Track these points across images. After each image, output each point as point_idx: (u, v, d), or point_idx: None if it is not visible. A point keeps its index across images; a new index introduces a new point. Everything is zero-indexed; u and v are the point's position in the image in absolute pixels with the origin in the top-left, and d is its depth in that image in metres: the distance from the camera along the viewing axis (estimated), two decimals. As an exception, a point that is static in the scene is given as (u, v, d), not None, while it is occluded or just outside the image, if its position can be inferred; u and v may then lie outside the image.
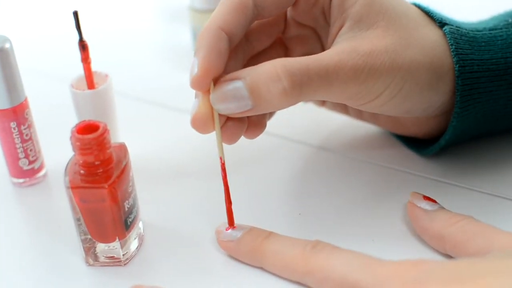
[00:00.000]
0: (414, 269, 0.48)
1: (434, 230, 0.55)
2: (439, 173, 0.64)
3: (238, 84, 0.53)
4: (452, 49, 0.58)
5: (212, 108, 0.54)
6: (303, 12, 0.60)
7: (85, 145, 0.53)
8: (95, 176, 0.54)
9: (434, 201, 0.57)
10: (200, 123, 0.55)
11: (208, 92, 0.54)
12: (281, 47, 0.63)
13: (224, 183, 0.56)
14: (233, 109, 0.53)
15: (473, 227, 0.54)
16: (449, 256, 0.55)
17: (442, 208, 0.57)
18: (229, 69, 0.56)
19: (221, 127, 0.55)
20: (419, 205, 0.57)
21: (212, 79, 0.53)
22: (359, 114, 0.67)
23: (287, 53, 0.63)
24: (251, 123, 0.58)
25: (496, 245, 0.51)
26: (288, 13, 0.62)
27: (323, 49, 0.62)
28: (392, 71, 0.55)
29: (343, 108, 0.68)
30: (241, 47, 0.59)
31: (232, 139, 0.56)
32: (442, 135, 0.63)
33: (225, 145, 0.56)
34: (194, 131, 0.55)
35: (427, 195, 0.58)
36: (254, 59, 0.61)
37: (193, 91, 0.55)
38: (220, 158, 0.55)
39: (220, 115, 0.54)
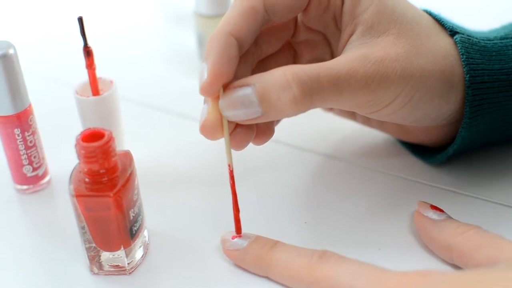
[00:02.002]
0: (421, 280, 0.48)
1: (441, 240, 0.55)
2: (446, 182, 0.64)
3: (247, 91, 0.52)
4: (463, 59, 0.58)
5: (221, 115, 0.53)
6: (314, 18, 0.60)
7: (90, 153, 0.52)
8: (100, 184, 0.53)
9: (441, 210, 0.57)
10: (209, 130, 0.54)
11: (217, 98, 0.53)
12: (290, 51, 0.63)
13: (232, 190, 0.56)
14: (242, 116, 0.53)
15: (481, 237, 0.53)
16: (456, 266, 0.54)
17: (450, 217, 0.56)
18: (237, 73, 0.55)
19: (230, 134, 0.54)
20: (426, 215, 0.57)
21: (221, 85, 0.53)
22: (366, 121, 0.67)
23: (295, 58, 0.63)
24: (260, 129, 0.57)
25: (504, 255, 0.51)
26: (299, 18, 0.61)
27: (332, 54, 0.62)
28: (403, 80, 0.55)
29: (351, 115, 0.67)
30: (250, 51, 0.59)
31: (240, 146, 0.56)
32: (449, 143, 0.63)
33: (233, 152, 0.55)
34: (200, 137, 0.55)
35: (434, 205, 0.57)
36: (263, 63, 0.61)
37: (200, 97, 0.55)
38: (229, 166, 0.55)
39: (229, 121, 0.54)
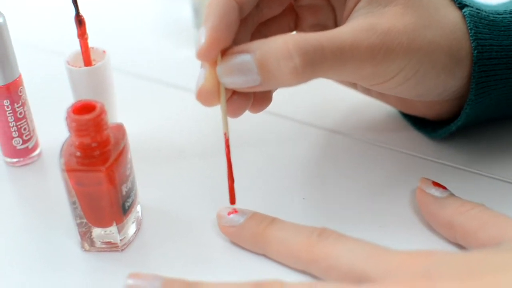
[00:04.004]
0: (424, 261, 0.47)
1: (444, 218, 0.54)
2: (449, 158, 0.63)
3: (246, 57, 0.51)
4: (471, 34, 0.57)
5: (218, 81, 0.52)
6: None
7: (82, 126, 0.51)
8: (91, 158, 0.52)
9: (444, 187, 0.56)
10: (206, 96, 0.53)
11: (215, 63, 0.52)
12: (292, 14, 0.62)
13: (227, 159, 0.55)
14: (240, 83, 0.52)
15: (485, 215, 0.53)
16: (459, 245, 0.54)
17: (452, 195, 0.56)
18: (237, 37, 0.54)
19: (227, 101, 0.54)
20: (428, 192, 0.56)
21: (219, 50, 0.52)
22: (367, 90, 0.66)
23: (297, 21, 0.62)
24: (257, 97, 0.56)
25: (508, 235, 0.50)
26: None
27: (335, 20, 0.61)
28: (410, 53, 0.54)
29: (351, 83, 0.66)
30: (251, 14, 0.57)
31: (237, 113, 0.55)
32: (452, 117, 0.62)
33: (232, 126, 0.54)
34: (195, 109, 0.54)
35: (437, 181, 0.57)
36: (263, 26, 0.60)
37: (196, 68, 0.54)
38: (225, 134, 0.54)
39: (226, 88, 0.53)
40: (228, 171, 0.55)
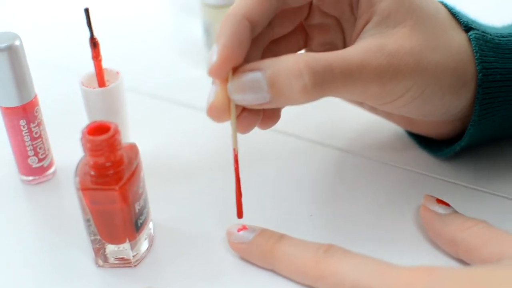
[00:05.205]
0: (427, 276, 0.48)
1: (447, 235, 0.55)
2: (453, 175, 0.64)
3: (257, 75, 0.52)
4: (476, 57, 0.57)
5: (229, 98, 0.53)
6: (329, 2, 0.59)
7: (96, 147, 0.52)
8: (105, 177, 0.53)
9: (447, 204, 0.57)
10: (216, 113, 0.54)
11: (226, 80, 0.53)
12: (302, 33, 0.62)
13: (236, 174, 0.56)
14: (250, 100, 0.52)
15: (487, 232, 0.53)
16: (462, 261, 0.54)
17: (456, 212, 0.56)
18: (248, 55, 0.54)
19: (237, 117, 0.54)
20: (432, 209, 0.57)
21: (231, 68, 0.52)
22: (373, 109, 0.66)
23: (307, 40, 0.62)
24: (266, 114, 0.57)
25: (509, 251, 0.51)
26: (314, 1, 0.60)
27: (344, 40, 0.61)
28: (416, 74, 0.54)
29: (358, 102, 0.67)
30: (263, 33, 0.58)
31: (247, 129, 0.56)
32: (456, 137, 0.62)
33: (241, 143, 0.55)
34: (207, 128, 0.55)
35: (440, 198, 0.57)
36: (273, 44, 0.60)
37: (207, 87, 0.54)
38: (234, 150, 0.55)
39: (236, 105, 0.53)
40: (236, 186, 0.56)
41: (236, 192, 0.56)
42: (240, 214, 0.57)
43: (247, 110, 0.55)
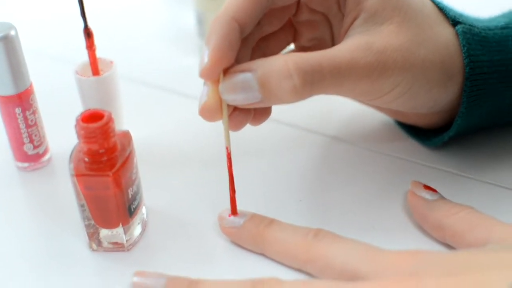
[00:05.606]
0: (412, 260, 0.49)
1: (434, 220, 0.56)
2: (441, 162, 0.64)
3: (248, 76, 0.52)
4: (464, 51, 0.58)
5: (220, 98, 0.54)
6: (317, 0, 0.59)
7: (90, 134, 0.53)
8: (99, 164, 0.54)
9: (434, 190, 0.57)
10: (209, 113, 0.54)
11: (217, 81, 0.53)
12: (291, 29, 0.62)
13: (229, 172, 0.56)
14: (241, 100, 0.53)
15: (472, 217, 0.54)
16: (448, 245, 0.55)
17: (442, 197, 0.57)
18: (238, 54, 0.55)
19: (228, 116, 0.55)
20: (419, 194, 0.57)
21: (222, 69, 0.53)
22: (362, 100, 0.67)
23: (295, 36, 0.63)
24: (257, 111, 0.57)
25: (494, 236, 0.52)
26: None
27: (332, 35, 0.62)
28: (404, 70, 0.55)
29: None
30: (252, 32, 0.58)
31: (238, 127, 0.56)
32: (445, 126, 0.63)
33: (231, 133, 0.56)
34: (199, 116, 0.55)
35: (427, 184, 0.58)
36: (262, 41, 0.61)
37: (198, 75, 0.55)
38: (227, 148, 0.56)
39: (228, 105, 0.54)
40: (229, 183, 0.57)
41: (229, 190, 0.57)
42: (234, 211, 0.58)
43: (239, 109, 0.55)
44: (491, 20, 0.63)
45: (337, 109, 0.72)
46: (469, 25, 0.59)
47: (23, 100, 0.63)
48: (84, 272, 0.57)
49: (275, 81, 0.51)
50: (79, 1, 0.62)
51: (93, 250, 0.58)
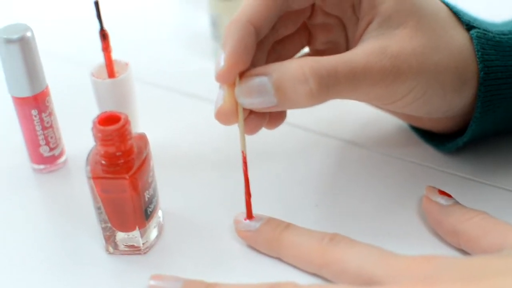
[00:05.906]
0: (427, 265, 0.49)
1: (449, 225, 0.56)
2: (456, 168, 0.64)
3: (264, 80, 0.52)
4: (478, 55, 0.58)
5: (236, 102, 0.54)
6: (331, 4, 0.59)
7: (107, 137, 0.53)
8: (116, 166, 0.54)
9: (449, 195, 0.57)
10: (224, 116, 0.55)
11: (233, 85, 0.53)
12: (305, 32, 0.62)
13: (244, 176, 0.56)
14: (257, 104, 0.53)
15: (487, 223, 0.54)
16: (463, 251, 0.55)
17: (457, 203, 0.57)
18: (254, 57, 0.55)
19: (244, 120, 0.55)
20: (434, 200, 0.57)
21: (238, 73, 0.53)
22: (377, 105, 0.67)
23: (310, 39, 0.63)
24: (272, 115, 0.58)
25: (509, 242, 0.52)
26: (316, 1, 0.60)
27: (347, 39, 0.62)
28: (418, 75, 0.55)
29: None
30: (267, 35, 0.58)
31: (254, 131, 0.57)
32: (459, 131, 0.63)
33: (247, 137, 0.56)
34: (214, 118, 0.55)
35: (442, 189, 0.58)
36: (277, 44, 0.61)
37: (213, 78, 0.55)
38: (242, 152, 0.56)
39: (243, 108, 0.54)
40: (245, 187, 0.57)
41: (245, 194, 0.57)
42: (250, 215, 0.58)
43: (254, 112, 0.55)
44: (505, 24, 0.62)
45: (352, 114, 0.72)
46: (484, 29, 0.59)
47: (39, 102, 0.64)
48: (100, 275, 0.57)
49: (290, 85, 0.52)
50: (95, 3, 0.62)
51: (109, 253, 0.58)
